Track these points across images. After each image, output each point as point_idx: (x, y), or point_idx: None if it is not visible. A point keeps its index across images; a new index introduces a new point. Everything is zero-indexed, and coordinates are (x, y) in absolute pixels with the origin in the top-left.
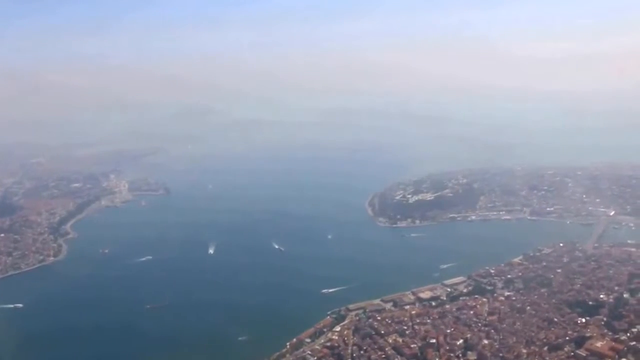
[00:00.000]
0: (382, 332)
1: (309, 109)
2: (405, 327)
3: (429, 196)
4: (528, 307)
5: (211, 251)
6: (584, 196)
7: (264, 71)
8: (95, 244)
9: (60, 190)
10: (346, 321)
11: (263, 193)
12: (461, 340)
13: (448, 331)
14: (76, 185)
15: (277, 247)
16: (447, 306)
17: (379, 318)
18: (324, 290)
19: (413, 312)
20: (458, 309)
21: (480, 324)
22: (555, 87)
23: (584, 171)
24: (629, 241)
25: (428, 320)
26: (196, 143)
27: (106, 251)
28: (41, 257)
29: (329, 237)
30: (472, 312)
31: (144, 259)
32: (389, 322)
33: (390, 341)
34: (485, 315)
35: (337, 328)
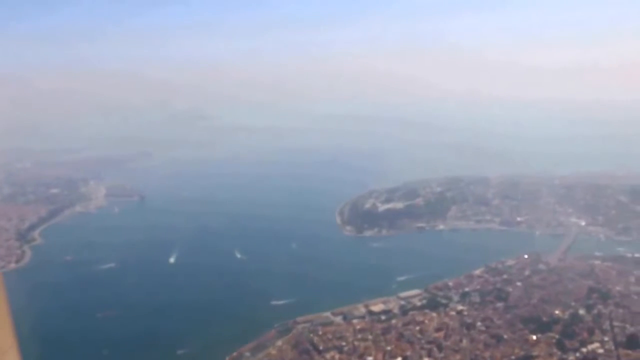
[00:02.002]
0: (321, 348)
1: (300, 115)
2: (344, 343)
3: (400, 205)
4: (479, 323)
5: (172, 260)
6: (557, 206)
7: (256, 78)
8: (61, 251)
9: (37, 195)
10: (290, 335)
11: (238, 199)
12: (400, 359)
13: (388, 348)
14: (54, 191)
15: (239, 256)
16: (394, 321)
17: (320, 333)
18: (273, 302)
19: (358, 326)
20: (404, 324)
21: (423, 341)
22: (550, 96)
23: (561, 180)
24: (596, 253)
25: (370, 336)
26: (183, 148)
27: (69, 258)
28: (2, 264)
29: (293, 246)
30: (418, 327)
31: (106, 266)
32: (330, 337)
33: (328, 357)
34: (432, 331)
35: (279, 342)
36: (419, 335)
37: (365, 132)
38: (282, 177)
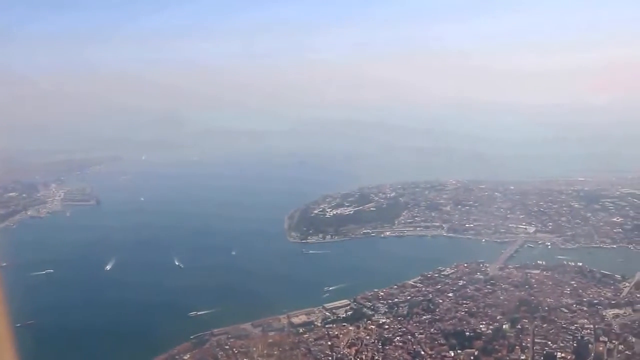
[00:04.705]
0: None
1: (286, 119)
2: (246, 359)
3: (349, 210)
4: (398, 338)
5: (108, 267)
6: (508, 212)
7: (247, 81)
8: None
9: None
10: (200, 348)
11: (195, 201)
12: None
13: None
14: (11, 194)
15: (177, 263)
16: (306, 335)
17: (226, 347)
18: (197, 312)
19: (269, 340)
20: (316, 339)
21: (332, 358)
22: (538, 101)
23: (517, 186)
24: (538, 262)
25: (277, 352)
26: (158, 151)
27: (4, 264)
28: None
29: (233, 253)
30: (330, 342)
31: (43, 272)
32: (236, 351)
33: None
34: (343, 346)
35: (187, 356)
36: (328, 351)
37: (346, 136)
38: (248, 179)
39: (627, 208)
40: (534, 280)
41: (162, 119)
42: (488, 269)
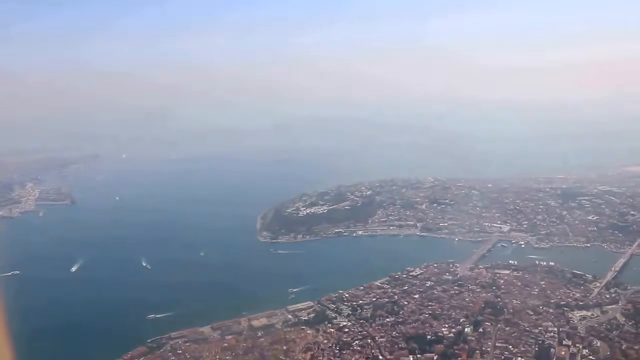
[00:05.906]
0: None
1: (275, 116)
2: None
3: (323, 209)
4: (356, 342)
5: (74, 269)
6: (484, 211)
7: (239, 78)
8: None
9: None
10: (153, 353)
11: (171, 199)
12: None
13: None
14: None
15: (144, 264)
16: (262, 339)
17: (179, 352)
18: (150, 316)
19: (224, 344)
20: (272, 343)
21: None
22: (526, 98)
23: (494, 184)
24: (510, 261)
25: (228, 357)
26: (141, 148)
27: None
28: None
29: (202, 253)
30: (285, 347)
31: (9, 273)
32: (188, 356)
33: None
34: (299, 351)
35: None
36: (282, 356)
37: (333, 133)
38: (227, 176)
39: (603, 206)
40: (502, 281)
41: (148, 116)
42: (458, 270)
